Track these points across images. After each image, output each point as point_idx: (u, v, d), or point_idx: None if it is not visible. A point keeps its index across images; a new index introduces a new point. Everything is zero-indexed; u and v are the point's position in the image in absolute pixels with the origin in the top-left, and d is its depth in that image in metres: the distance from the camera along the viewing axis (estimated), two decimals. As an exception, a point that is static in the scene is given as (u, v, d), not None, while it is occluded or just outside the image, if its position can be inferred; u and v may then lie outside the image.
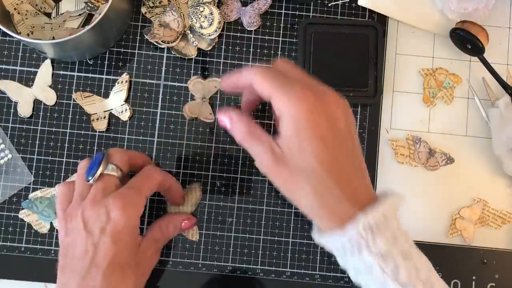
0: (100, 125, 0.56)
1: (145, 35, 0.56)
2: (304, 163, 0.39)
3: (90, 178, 0.45)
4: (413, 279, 0.39)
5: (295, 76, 0.42)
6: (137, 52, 0.57)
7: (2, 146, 0.56)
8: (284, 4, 0.59)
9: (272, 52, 0.58)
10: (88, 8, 0.55)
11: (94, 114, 0.56)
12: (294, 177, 0.40)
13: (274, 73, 0.41)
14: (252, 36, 0.58)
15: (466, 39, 0.55)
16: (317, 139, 0.39)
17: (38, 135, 0.56)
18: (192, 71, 0.57)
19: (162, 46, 0.57)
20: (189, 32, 0.57)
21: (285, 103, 0.39)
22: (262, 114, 0.57)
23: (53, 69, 0.57)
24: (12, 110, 0.57)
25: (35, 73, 0.57)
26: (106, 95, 0.57)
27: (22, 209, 0.55)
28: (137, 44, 0.58)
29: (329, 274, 0.56)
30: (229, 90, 0.46)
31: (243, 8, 0.58)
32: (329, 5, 0.59)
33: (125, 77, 0.57)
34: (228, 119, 0.43)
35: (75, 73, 0.57)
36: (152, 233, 0.50)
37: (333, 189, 0.39)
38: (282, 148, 0.40)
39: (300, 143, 0.39)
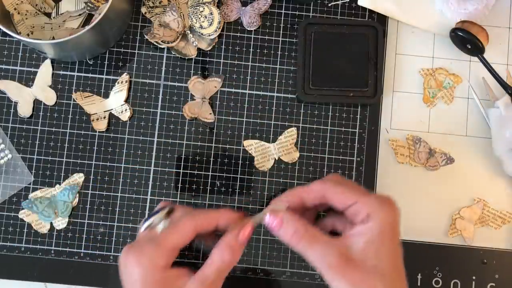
0: (100, 125, 0.56)
1: (145, 35, 0.56)
2: (380, 264, 0.40)
3: (142, 227, 0.46)
4: None
5: (355, 187, 0.45)
6: (137, 52, 0.57)
7: (2, 146, 0.56)
8: (284, 4, 0.59)
9: (272, 52, 0.58)
10: (88, 8, 0.55)
11: (94, 114, 0.56)
12: (369, 279, 0.40)
13: (346, 183, 0.44)
14: (252, 36, 0.58)
15: (466, 39, 0.55)
16: (395, 246, 0.42)
17: (38, 135, 0.56)
18: (192, 71, 0.57)
19: (162, 46, 0.57)
20: (189, 32, 0.57)
21: (379, 207, 0.42)
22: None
23: (53, 69, 0.57)
24: (12, 110, 0.57)
25: (35, 73, 0.57)
26: (106, 95, 0.57)
27: (22, 209, 0.55)
28: (137, 44, 0.58)
29: (329, 274, 0.55)
30: (292, 207, 0.45)
31: (243, 8, 0.58)
32: (329, 5, 0.59)
33: (125, 77, 0.57)
34: (279, 220, 0.43)
35: (75, 73, 0.57)
36: (201, 270, 0.44)
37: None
38: (358, 247, 0.41)
39: (379, 248, 0.41)
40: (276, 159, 0.56)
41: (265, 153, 0.56)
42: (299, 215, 0.43)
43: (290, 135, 0.57)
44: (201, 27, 0.56)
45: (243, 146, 0.57)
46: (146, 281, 0.43)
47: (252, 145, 0.56)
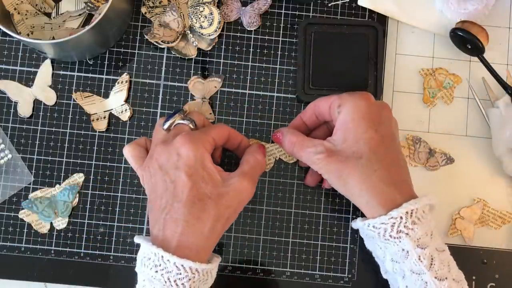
0: (100, 125, 0.56)
1: (145, 35, 0.56)
2: (358, 149, 0.46)
3: (166, 125, 0.49)
4: (445, 274, 0.44)
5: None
6: (137, 52, 0.57)
7: (2, 146, 0.56)
8: (284, 4, 0.59)
9: (272, 52, 0.58)
10: (88, 8, 0.55)
11: (94, 114, 0.57)
12: (346, 164, 0.46)
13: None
14: (252, 36, 0.58)
15: (466, 39, 0.55)
16: (372, 130, 0.46)
17: (38, 135, 0.56)
18: (192, 71, 0.57)
19: (162, 46, 0.57)
20: (189, 32, 0.57)
21: (349, 97, 0.48)
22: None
23: (53, 69, 0.57)
24: (12, 110, 0.57)
25: (35, 73, 0.57)
26: (106, 95, 0.57)
27: (22, 209, 0.55)
28: (137, 44, 0.58)
29: (329, 274, 0.56)
30: (297, 128, 0.53)
31: (243, 8, 0.58)
32: (329, 5, 0.59)
33: (125, 77, 0.57)
34: (280, 134, 0.52)
35: (75, 73, 0.57)
36: (238, 169, 0.49)
37: (382, 175, 0.45)
38: (336, 141, 0.47)
39: (356, 130, 0.46)
40: (277, 159, 0.56)
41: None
42: (297, 130, 0.51)
43: None
44: (201, 27, 0.56)
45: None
46: (197, 162, 0.46)
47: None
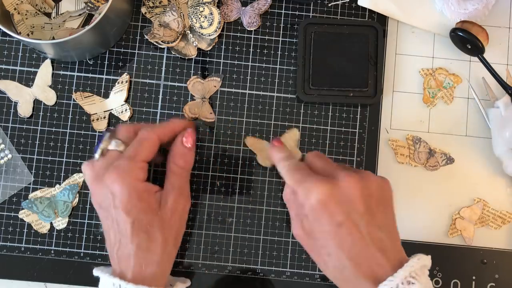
0: (100, 125, 0.56)
1: (145, 35, 0.56)
2: (326, 245, 0.44)
3: (95, 154, 0.48)
4: None
5: (319, 166, 0.47)
6: (137, 52, 0.57)
7: (2, 146, 0.56)
8: (284, 4, 0.59)
9: (272, 52, 0.58)
10: (88, 8, 0.55)
11: (94, 114, 0.57)
12: (319, 255, 0.45)
13: (299, 168, 0.46)
14: (252, 36, 0.58)
15: (466, 39, 0.55)
16: (335, 227, 0.43)
17: (38, 135, 0.56)
18: (192, 71, 0.57)
19: (162, 46, 0.57)
20: (189, 32, 0.57)
21: (304, 197, 0.44)
22: (262, 114, 0.57)
23: (53, 69, 0.57)
24: (12, 110, 0.57)
25: (35, 73, 0.57)
26: (106, 95, 0.57)
27: (22, 209, 0.55)
28: (137, 44, 0.58)
29: (329, 274, 0.56)
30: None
31: (243, 8, 0.58)
32: (329, 5, 0.59)
33: (125, 77, 0.57)
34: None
35: (75, 73, 0.57)
36: (166, 182, 0.49)
37: (350, 269, 0.43)
38: (308, 226, 0.45)
39: (320, 230, 0.43)
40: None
41: (265, 150, 0.56)
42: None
43: (292, 135, 0.56)
44: (201, 27, 0.56)
45: (243, 146, 0.57)
46: (131, 197, 0.45)
47: (254, 143, 0.56)
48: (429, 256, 0.44)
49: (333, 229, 0.43)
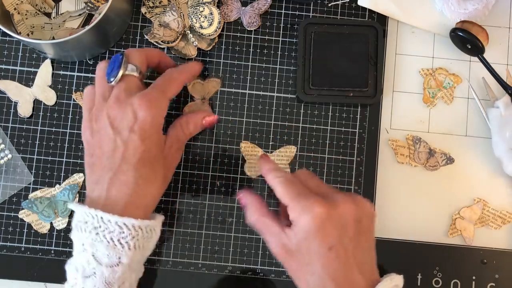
0: (100, 125, 0.56)
1: (145, 35, 0.56)
2: (312, 267, 0.43)
3: (112, 79, 0.47)
4: None
5: (313, 185, 0.46)
6: (137, 52, 0.57)
7: (2, 146, 0.56)
8: (284, 4, 0.58)
9: (272, 52, 0.58)
10: (88, 8, 0.55)
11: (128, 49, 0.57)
12: (301, 272, 0.44)
13: (293, 183, 0.45)
14: (252, 36, 0.58)
15: (466, 39, 0.55)
16: (325, 249, 0.42)
17: (38, 135, 0.56)
18: (192, 71, 0.57)
19: (162, 46, 0.57)
20: (189, 32, 0.57)
21: (298, 214, 0.43)
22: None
23: (53, 69, 0.57)
24: (12, 110, 0.57)
25: (35, 73, 0.57)
26: (106, 95, 0.57)
27: (22, 209, 0.55)
28: (137, 44, 0.58)
29: (329, 274, 0.55)
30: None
31: (243, 8, 0.58)
32: (329, 5, 0.59)
33: (125, 77, 0.57)
34: (243, 201, 0.48)
35: (75, 73, 0.57)
36: (174, 132, 0.51)
37: None
38: (293, 244, 0.43)
39: (309, 249, 0.43)
40: None
41: (256, 159, 0.56)
42: (260, 200, 0.47)
43: (289, 152, 0.56)
44: (201, 27, 0.56)
45: (239, 146, 0.57)
46: (152, 126, 0.46)
47: (248, 149, 0.56)
48: (401, 276, 0.45)
49: (323, 252, 0.42)
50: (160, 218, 0.49)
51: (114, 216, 0.43)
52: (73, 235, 0.45)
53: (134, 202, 0.45)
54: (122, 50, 0.57)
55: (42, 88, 0.57)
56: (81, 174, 0.56)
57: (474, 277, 0.56)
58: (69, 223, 0.55)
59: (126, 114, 0.46)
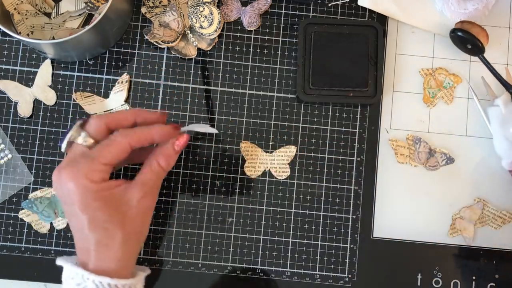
0: (100, 125, 0.56)
1: (145, 35, 0.56)
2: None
3: (62, 147, 0.47)
4: None
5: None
6: (137, 52, 0.57)
7: (2, 146, 0.56)
8: (284, 4, 0.59)
9: (272, 52, 0.58)
10: (88, 8, 0.55)
11: (94, 114, 0.56)
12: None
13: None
14: (252, 36, 0.58)
15: (466, 39, 0.55)
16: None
17: (38, 135, 0.56)
18: (192, 71, 0.57)
19: (162, 46, 0.57)
20: (189, 32, 0.57)
21: None
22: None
23: (53, 69, 0.57)
24: (12, 110, 0.57)
25: (35, 73, 0.57)
26: (106, 95, 0.57)
27: (22, 209, 0.55)
28: (137, 44, 0.58)
29: (329, 274, 0.56)
30: None
31: (243, 8, 0.58)
32: (329, 5, 0.59)
33: (125, 77, 0.57)
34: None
35: (75, 73, 0.57)
36: (139, 177, 0.47)
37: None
38: None
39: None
40: (267, 170, 0.56)
41: (256, 159, 0.56)
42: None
43: (289, 152, 0.57)
44: (201, 27, 0.56)
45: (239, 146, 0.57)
46: (85, 196, 0.44)
47: (248, 149, 0.56)
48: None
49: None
50: (142, 275, 0.48)
51: (92, 275, 0.44)
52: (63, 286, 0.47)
53: (101, 266, 0.45)
54: (122, 50, 0.57)
55: (42, 88, 0.57)
56: (81, 174, 0.56)
57: (474, 277, 0.56)
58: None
59: (62, 189, 0.45)
